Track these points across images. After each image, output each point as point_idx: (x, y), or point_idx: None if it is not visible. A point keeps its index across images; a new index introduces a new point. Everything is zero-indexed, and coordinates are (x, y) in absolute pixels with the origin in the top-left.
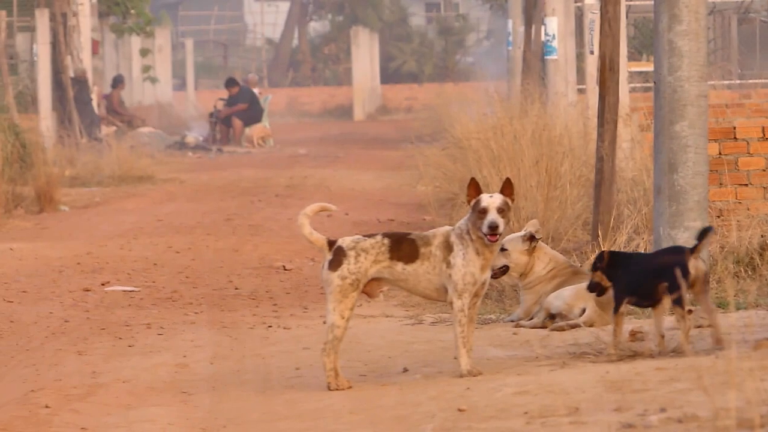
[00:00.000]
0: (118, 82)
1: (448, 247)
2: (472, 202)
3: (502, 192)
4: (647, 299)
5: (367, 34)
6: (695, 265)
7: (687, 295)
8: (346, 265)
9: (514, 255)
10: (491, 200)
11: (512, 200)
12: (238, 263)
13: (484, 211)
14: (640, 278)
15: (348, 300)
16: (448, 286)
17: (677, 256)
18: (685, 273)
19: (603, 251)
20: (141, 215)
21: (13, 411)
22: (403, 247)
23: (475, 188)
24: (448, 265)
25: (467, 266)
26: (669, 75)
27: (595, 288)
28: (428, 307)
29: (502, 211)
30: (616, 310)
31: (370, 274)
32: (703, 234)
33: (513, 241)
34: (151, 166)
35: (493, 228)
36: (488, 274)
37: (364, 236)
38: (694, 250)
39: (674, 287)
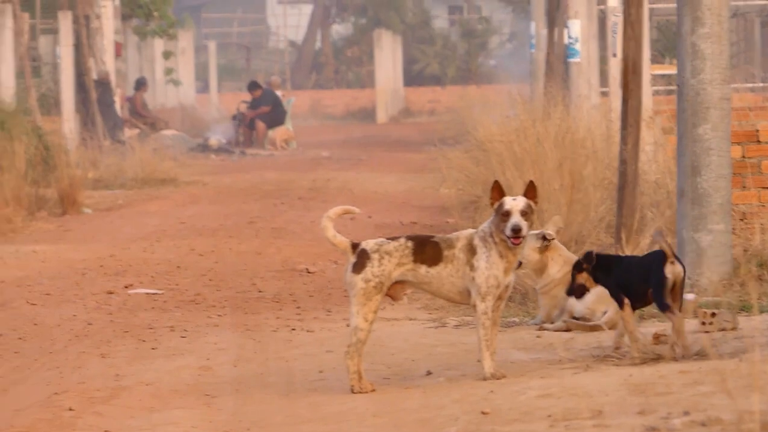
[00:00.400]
0: (140, 84)
1: (471, 250)
2: (496, 205)
3: (525, 195)
4: (637, 302)
5: (390, 36)
6: (672, 270)
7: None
8: (370, 268)
9: (525, 251)
10: (514, 203)
11: (536, 203)
12: (261, 266)
13: (507, 214)
14: (628, 281)
15: (371, 303)
16: (472, 289)
17: (659, 260)
18: (663, 278)
19: (591, 251)
20: (164, 218)
21: (37, 414)
22: (427, 249)
23: (498, 191)
24: (472, 267)
25: (491, 269)
26: (692, 78)
27: (578, 290)
28: (451, 310)
29: (525, 213)
30: (621, 304)
31: (393, 277)
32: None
33: (528, 237)
34: (173, 168)
35: (516, 231)
36: (512, 276)
37: (388, 239)
38: (667, 255)
39: (655, 292)
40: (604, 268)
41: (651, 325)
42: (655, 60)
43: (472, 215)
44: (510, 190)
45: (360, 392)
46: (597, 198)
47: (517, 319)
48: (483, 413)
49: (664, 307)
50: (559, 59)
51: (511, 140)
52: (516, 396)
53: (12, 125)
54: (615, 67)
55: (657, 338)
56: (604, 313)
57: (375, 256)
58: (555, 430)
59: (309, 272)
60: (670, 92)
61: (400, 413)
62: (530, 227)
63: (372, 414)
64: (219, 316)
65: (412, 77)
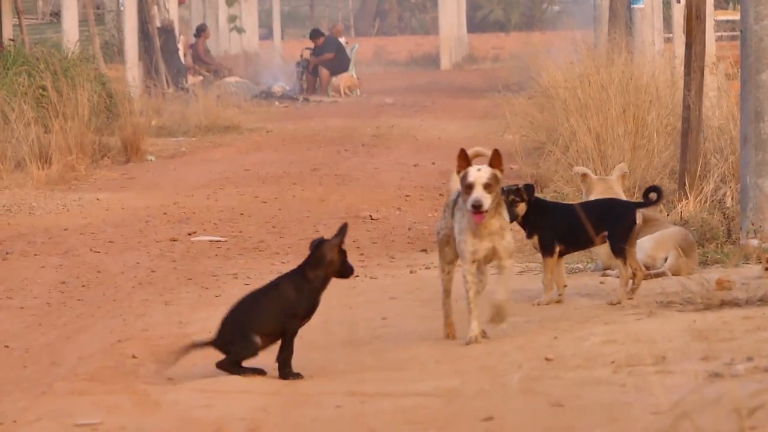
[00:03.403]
0: (200, 30)
1: (453, 211)
2: (461, 174)
3: (491, 164)
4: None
5: None
6: (640, 217)
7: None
8: (440, 221)
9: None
10: (478, 174)
11: (501, 171)
12: (324, 213)
13: (470, 187)
14: (570, 227)
15: (443, 254)
16: None
17: (625, 206)
18: (633, 224)
19: (532, 185)
20: (227, 165)
21: (101, 361)
22: (457, 201)
23: (464, 159)
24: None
25: (460, 235)
26: (755, 24)
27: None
28: (516, 257)
29: (488, 186)
30: (551, 253)
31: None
32: (650, 193)
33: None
34: (237, 115)
35: (477, 206)
36: (499, 242)
37: None
38: (640, 205)
39: (615, 237)
40: (539, 212)
41: (715, 270)
42: (719, 6)
43: (536, 161)
44: (574, 135)
45: (448, 339)
46: (660, 144)
47: (581, 266)
48: (546, 360)
49: (621, 252)
50: (622, 5)
51: (575, 86)
52: (579, 342)
53: (75, 73)
54: (679, 12)
55: (720, 284)
56: (665, 259)
57: (445, 208)
58: (618, 376)
59: (372, 219)
60: (733, 38)
61: (463, 360)
62: (496, 198)
63: (435, 361)
64: (282, 263)
65: (476, 23)
